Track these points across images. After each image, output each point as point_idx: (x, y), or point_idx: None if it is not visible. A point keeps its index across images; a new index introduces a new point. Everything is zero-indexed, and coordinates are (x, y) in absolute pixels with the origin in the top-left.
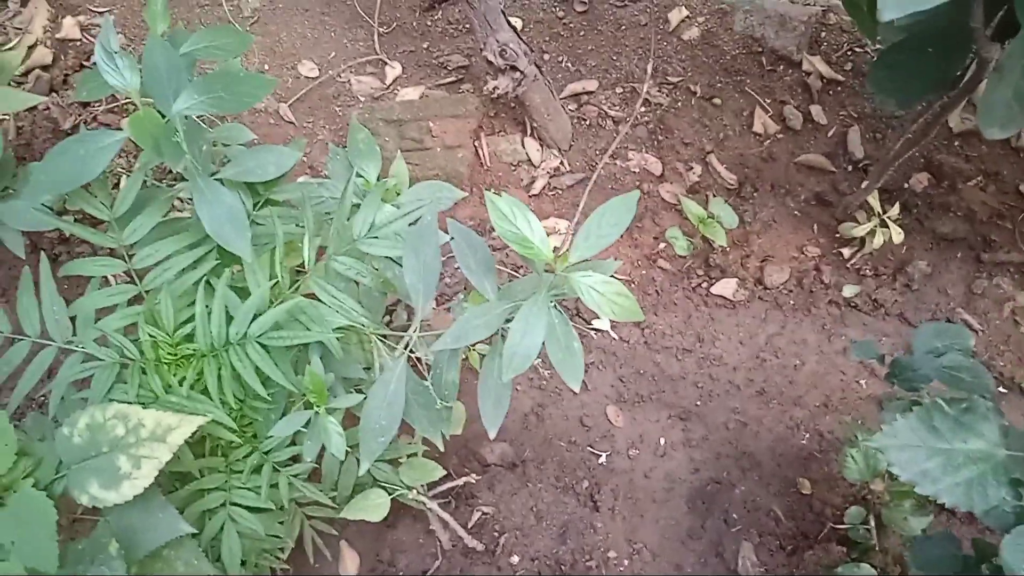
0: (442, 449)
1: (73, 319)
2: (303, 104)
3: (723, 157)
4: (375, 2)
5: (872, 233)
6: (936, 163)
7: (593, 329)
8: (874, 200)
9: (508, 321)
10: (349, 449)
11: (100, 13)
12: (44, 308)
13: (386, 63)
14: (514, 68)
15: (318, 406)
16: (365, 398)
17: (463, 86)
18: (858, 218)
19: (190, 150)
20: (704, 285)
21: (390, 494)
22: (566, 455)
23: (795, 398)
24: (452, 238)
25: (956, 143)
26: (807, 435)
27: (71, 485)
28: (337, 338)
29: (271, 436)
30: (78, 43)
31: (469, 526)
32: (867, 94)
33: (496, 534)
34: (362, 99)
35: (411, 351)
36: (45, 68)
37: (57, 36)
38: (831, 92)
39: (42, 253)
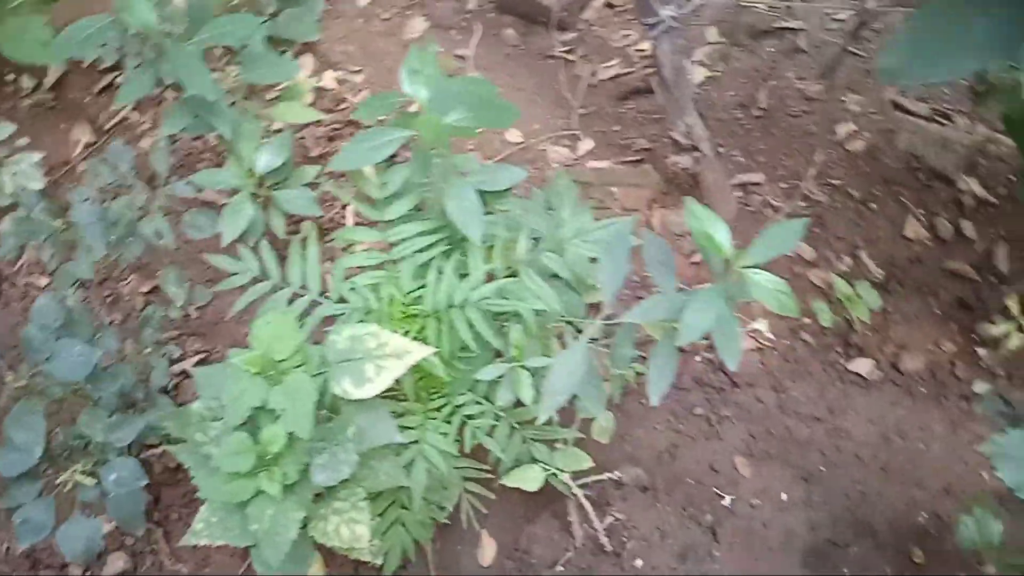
0: (605, 429)
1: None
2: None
3: (873, 254)
4: (579, 89)
5: (1007, 335)
6: None
7: (751, 330)
8: (1012, 303)
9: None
10: (517, 426)
11: (355, 71)
12: (308, 266)
13: (579, 138)
14: (696, 148)
15: (518, 360)
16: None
17: (644, 165)
18: (995, 320)
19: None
20: (842, 361)
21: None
22: (693, 491)
23: (917, 480)
24: (643, 242)
25: None
26: (925, 515)
27: (330, 378)
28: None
29: (464, 393)
30: (333, 91)
31: (601, 528)
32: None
33: (624, 540)
34: (554, 165)
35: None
36: None
37: (317, 85)
38: (983, 212)
39: (311, 223)
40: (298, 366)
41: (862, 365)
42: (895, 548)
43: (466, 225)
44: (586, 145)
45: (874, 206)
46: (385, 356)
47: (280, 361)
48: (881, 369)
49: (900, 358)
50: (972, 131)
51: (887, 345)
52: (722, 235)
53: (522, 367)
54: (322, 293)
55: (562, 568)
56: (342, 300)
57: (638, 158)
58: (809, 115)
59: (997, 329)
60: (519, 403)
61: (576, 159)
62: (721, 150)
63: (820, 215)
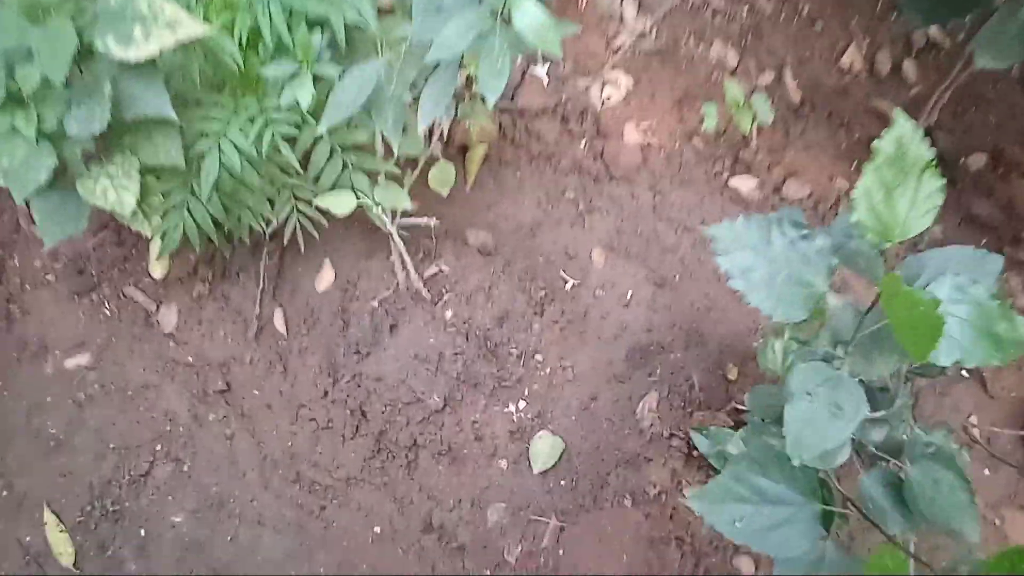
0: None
1: None
2: None
3: (799, 74)
4: None
5: None
6: (1001, 150)
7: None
8: None
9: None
10: (339, 149)
11: None
12: None
13: None
14: None
15: (303, 62)
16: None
17: None
18: None
19: None
20: (725, 175)
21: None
22: (538, 268)
23: None
24: None
25: None
26: (761, 340)
27: (95, 34)
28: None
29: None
30: None
31: (425, 276)
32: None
33: (443, 291)
34: None
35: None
36: None
37: None
38: (930, 53)
39: None
40: (71, 18)
41: (744, 182)
42: (716, 362)
43: None
44: None
45: (819, 26)
46: (158, 23)
47: (48, 5)
48: (763, 191)
49: (786, 183)
50: None
51: (777, 168)
52: None
53: (311, 72)
54: None
55: (376, 304)
56: None
57: None
58: None
59: None
60: (350, 127)
61: None
62: None
63: (759, 25)
